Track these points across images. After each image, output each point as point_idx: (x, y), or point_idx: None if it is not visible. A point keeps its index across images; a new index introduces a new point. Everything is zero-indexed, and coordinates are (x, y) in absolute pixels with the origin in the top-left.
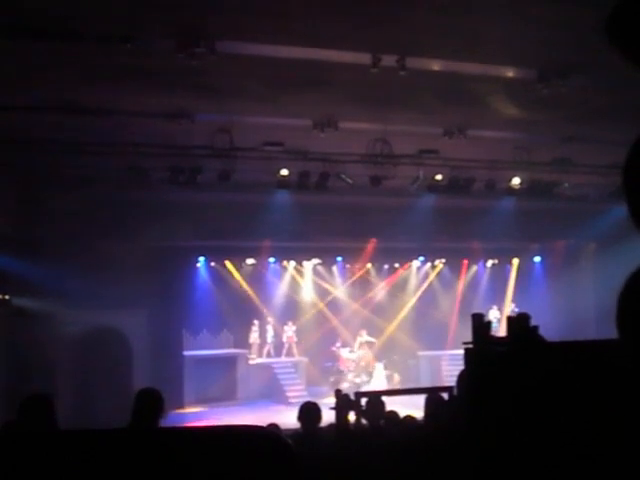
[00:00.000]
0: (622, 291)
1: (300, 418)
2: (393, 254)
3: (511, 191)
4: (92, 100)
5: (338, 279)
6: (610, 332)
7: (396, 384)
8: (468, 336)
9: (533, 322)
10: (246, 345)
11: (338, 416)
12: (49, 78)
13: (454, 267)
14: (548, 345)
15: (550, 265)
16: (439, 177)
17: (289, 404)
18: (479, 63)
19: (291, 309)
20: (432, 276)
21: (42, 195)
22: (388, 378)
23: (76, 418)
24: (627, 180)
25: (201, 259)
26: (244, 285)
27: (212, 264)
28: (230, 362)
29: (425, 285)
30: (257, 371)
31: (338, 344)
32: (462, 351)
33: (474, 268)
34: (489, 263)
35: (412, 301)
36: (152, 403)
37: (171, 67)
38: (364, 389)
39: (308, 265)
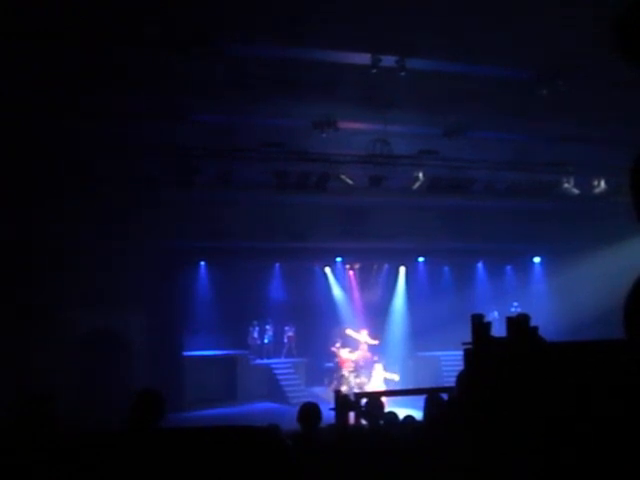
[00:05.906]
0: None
1: (300, 419)
2: (393, 254)
3: (511, 191)
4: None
5: (338, 279)
6: (610, 332)
7: (396, 384)
8: (468, 336)
9: (533, 322)
10: (246, 346)
11: (338, 417)
12: (50, 79)
13: (454, 267)
14: (548, 345)
15: (550, 265)
16: (439, 177)
17: (289, 404)
18: (479, 63)
19: (291, 309)
20: (431, 276)
21: (42, 196)
22: (387, 378)
23: (76, 419)
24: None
25: (201, 259)
26: (244, 286)
27: (212, 264)
28: (230, 363)
29: (425, 285)
30: (257, 371)
31: (338, 344)
32: (462, 351)
33: (474, 268)
34: (489, 263)
35: (411, 301)
36: (152, 404)
37: (172, 67)
38: (364, 389)
39: (308, 265)
